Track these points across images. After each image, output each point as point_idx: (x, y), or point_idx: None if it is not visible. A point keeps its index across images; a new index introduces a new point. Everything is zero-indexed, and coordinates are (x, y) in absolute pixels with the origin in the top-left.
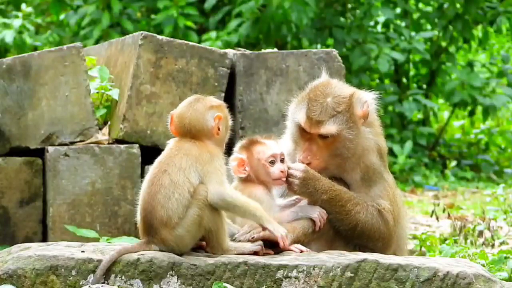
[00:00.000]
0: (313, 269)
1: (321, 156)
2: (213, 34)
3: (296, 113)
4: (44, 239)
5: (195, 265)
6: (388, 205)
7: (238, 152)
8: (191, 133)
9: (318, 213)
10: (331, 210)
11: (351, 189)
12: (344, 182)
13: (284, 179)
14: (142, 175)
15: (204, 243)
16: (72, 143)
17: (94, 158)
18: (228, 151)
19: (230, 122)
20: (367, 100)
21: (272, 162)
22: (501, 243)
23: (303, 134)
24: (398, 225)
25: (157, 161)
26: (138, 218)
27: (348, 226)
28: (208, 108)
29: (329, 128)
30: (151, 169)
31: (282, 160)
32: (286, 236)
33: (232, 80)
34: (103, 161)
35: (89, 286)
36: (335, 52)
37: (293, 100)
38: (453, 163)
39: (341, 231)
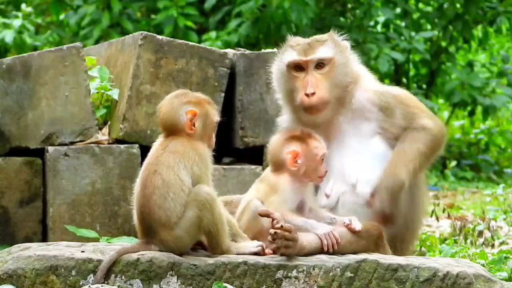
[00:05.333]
0: (313, 269)
1: (323, 86)
2: (213, 34)
3: (284, 59)
4: (44, 239)
5: (195, 265)
6: (419, 118)
7: (289, 143)
8: (167, 128)
9: (325, 232)
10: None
11: (378, 129)
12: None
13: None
14: None
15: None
16: (72, 143)
17: (94, 158)
18: (227, 150)
19: (213, 119)
20: (347, 45)
21: (322, 160)
22: (501, 243)
23: (298, 73)
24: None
25: (145, 162)
26: (135, 220)
27: (416, 163)
28: (183, 103)
29: (324, 51)
30: (142, 171)
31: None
32: (263, 248)
33: (232, 80)
34: (103, 161)
35: (89, 286)
36: None
37: (273, 64)
38: (453, 163)
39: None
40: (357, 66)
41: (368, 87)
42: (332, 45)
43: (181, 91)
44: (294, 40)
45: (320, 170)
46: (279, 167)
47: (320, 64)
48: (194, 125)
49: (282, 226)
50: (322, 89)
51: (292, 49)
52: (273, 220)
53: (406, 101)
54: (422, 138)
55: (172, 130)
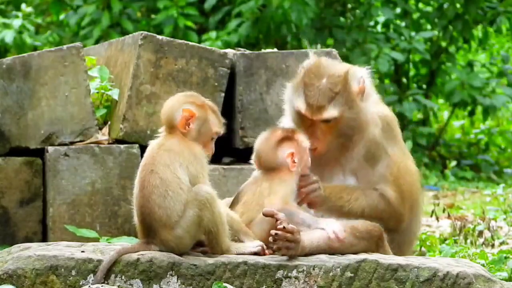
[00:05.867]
0: (313, 269)
1: (324, 140)
2: (213, 34)
3: (294, 100)
4: (44, 239)
5: (195, 265)
6: (389, 185)
7: (282, 146)
8: (164, 122)
9: (332, 227)
10: (336, 203)
11: (355, 169)
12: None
13: None
14: None
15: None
16: (72, 143)
17: (94, 158)
18: (227, 150)
19: (212, 128)
20: (362, 76)
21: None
22: (501, 243)
23: (304, 120)
24: (409, 199)
25: (142, 163)
26: (136, 220)
27: (356, 215)
28: (185, 102)
29: (331, 112)
30: (139, 172)
31: None
32: (263, 248)
33: (232, 80)
34: (103, 161)
35: (89, 286)
36: (335, 52)
37: (288, 84)
38: (453, 163)
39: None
40: (366, 115)
41: (369, 135)
42: (342, 101)
43: (192, 92)
44: (309, 76)
45: (309, 160)
46: (277, 169)
47: (326, 121)
48: (188, 125)
49: (284, 227)
50: (325, 143)
51: (304, 96)
52: (276, 220)
53: (392, 166)
54: (374, 203)
55: (168, 126)
